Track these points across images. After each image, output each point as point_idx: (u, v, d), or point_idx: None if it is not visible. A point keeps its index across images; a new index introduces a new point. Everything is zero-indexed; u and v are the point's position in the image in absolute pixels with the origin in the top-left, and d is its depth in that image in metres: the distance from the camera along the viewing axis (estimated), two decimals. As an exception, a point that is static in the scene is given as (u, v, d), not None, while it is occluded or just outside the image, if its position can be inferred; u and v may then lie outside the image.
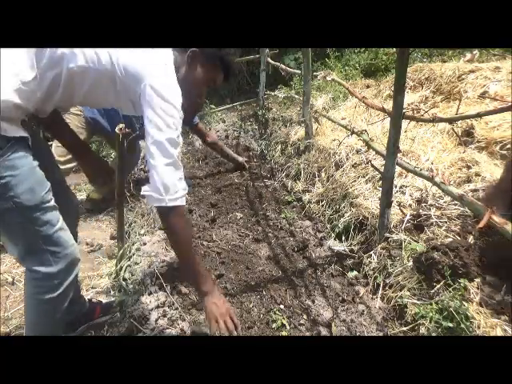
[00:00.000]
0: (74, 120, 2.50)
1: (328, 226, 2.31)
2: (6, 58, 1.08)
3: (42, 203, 1.15)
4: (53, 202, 1.20)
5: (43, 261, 1.19)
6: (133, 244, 2.10)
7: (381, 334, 1.52)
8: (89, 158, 1.61)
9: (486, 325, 1.33)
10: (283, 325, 1.57)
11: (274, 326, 1.56)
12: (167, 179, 1.19)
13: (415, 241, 1.79)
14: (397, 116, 1.66)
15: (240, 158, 3.34)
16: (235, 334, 1.31)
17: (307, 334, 1.54)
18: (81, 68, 1.17)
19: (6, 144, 1.07)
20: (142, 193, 1.24)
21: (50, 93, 1.18)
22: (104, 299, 1.88)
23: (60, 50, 1.13)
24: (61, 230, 1.22)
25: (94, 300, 1.80)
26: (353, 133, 2.28)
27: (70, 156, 2.40)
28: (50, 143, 2.36)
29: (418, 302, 1.52)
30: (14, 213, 1.11)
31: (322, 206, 2.50)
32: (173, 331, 1.50)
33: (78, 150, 1.57)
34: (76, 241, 1.55)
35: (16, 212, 1.11)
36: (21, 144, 1.11)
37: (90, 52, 1.16)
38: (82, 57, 1.16)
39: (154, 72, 1.19)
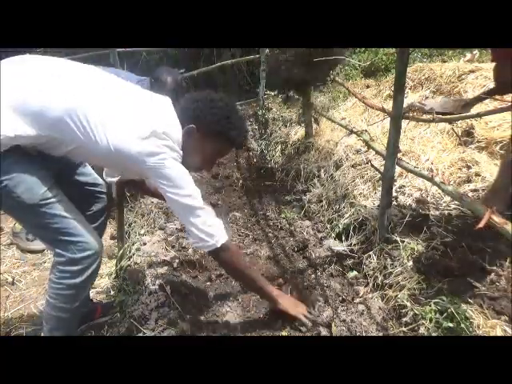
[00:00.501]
0: None
1: (328, 226, 2.31)
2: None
3: (43, 199, 1.22)
4: (58, 198, 1.26)
5: (67, 249, 1.28)
6: (133, 244, 2.10)
7: (381, 334, 1.52)
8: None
9: (486, 325, 1.33)
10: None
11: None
12: (205, 229, 1.33)
13: (415, 241, 1.79)
14: (397, 116, 1.66)
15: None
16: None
17: (307, 334, 1.54)
18: (80, 146, 1.22)
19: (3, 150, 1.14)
20: (192, 246, 1.55)
21: (55, 147, 1.24)
22: (104, 299, 1.88)
23: (62, 125, 1.16)
24: (75, 220, 1.29)
25: (94, 300, 1.81)
26: (352, 132, 2.28)
27: None
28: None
29: (418, 307, 1.52)
30: (21, 210, 1.23)
31: (322, 206, 2.50)
32: (173, 331, 1.50)
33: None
34: (101, 234, 1.63)
35: (23, 210, 1.22)
36: (15, 151, 1.16)
37: (87, 130, 1.18)
38: (80, 135, 1.19)
39: (150, 156, 1.23)
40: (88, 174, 1.55)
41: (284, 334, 1.51)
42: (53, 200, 1.24)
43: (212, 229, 1.34)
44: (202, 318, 1.59)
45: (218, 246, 1.34)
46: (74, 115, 1.15)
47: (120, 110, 1.24)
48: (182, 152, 1.33)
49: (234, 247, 1.47)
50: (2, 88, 1.10)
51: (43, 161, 1.26)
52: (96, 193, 1.57)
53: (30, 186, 1.19)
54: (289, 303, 1.56)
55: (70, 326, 1.43)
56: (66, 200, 1.30)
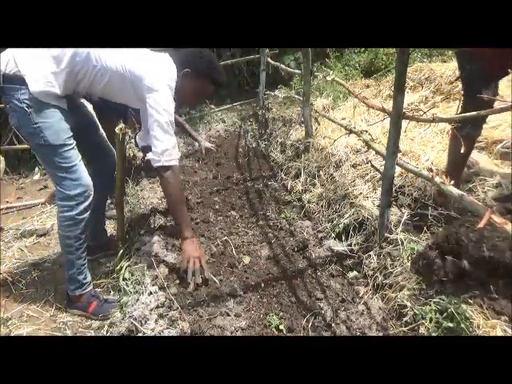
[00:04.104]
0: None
1: (328, 225, 2.31)
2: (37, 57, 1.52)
3: (63, 144, 1.61)
4: (74, 145, 1.66)
5: (65, 186, 1.64)
6: (133, 244, 2.10)
7: (381, 334, 1.52)
8: None
9: (486, 325, 1.33)
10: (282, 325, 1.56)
11: (273, 326, 1.56)
12: (163, 145, 1.69)
13: (415, 241, 1.79)
14: (397, 116, 1.66)
15: (202, 143, 2.87)
16: (198, 275, 1.74)
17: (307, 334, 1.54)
18: (103, 73, 1.65)
19: (44, 103, 1.56)
20: (146, 158, 1.77)
21: (79, 82, 1.65)
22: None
23: (85, 52, 1.57)
24: (79, 165, 1.68)
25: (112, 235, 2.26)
26: (351, 132, 2.28)
27: None
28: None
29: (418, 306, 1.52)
30: (44, 148, 1.60)
31: (322, 206, 2.50)
32: (173, 331, 1.50)
33: None
34: (112, 189, 2.04)
35: (46, 148, 1.60)
36: (51, 104, 1.58)
37: (108, 63, 1.64)
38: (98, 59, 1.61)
39: (153, 76, 1.67)
40: (99, 135, 1.99)
41: (283, 334, 1.51)
42: (70, 147, 1.64)
43: (171, 151, 1.71)
44: (202, 318, 1.59)
45: (165, 165, 1.70)
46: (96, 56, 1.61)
47: (132, 53, 1.68)
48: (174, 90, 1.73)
49: (179, 173, 1.81)
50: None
51: (68, 118, 1.65)
52: (106, 152, 2.00)
53: (57, 131, 1.59)
54: (191, 246, 1.79)
55: (79, 253, 1.74)
56: (76, 149, 1.68)
